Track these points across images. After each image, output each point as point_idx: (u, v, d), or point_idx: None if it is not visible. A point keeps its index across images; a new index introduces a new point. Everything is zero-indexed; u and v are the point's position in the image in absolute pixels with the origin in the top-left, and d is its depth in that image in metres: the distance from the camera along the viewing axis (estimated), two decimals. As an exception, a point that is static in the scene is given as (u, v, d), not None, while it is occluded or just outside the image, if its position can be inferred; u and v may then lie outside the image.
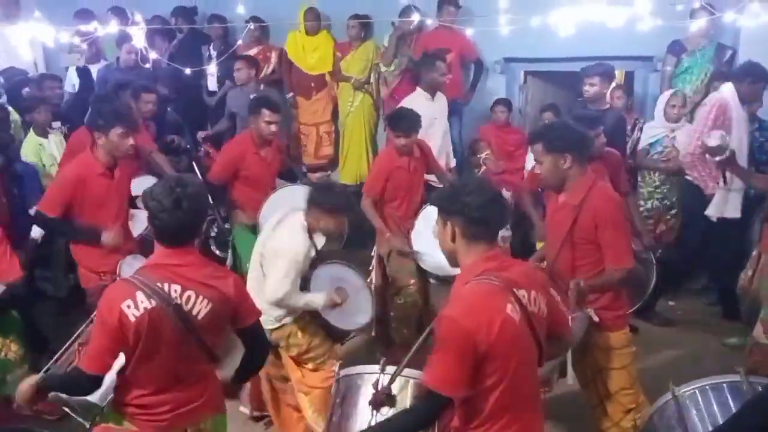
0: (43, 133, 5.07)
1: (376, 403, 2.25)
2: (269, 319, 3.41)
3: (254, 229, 4.48)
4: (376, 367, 2.39)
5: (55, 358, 2.81)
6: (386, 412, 2.24)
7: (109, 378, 2.32)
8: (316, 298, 3.44)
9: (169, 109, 6.11)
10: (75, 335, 2.84)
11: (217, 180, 4.70)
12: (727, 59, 5.60)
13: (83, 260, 3.92)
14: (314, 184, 4.29)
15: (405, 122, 4.31)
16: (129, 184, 4.04)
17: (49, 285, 4.89)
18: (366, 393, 2.34)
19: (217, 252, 5.51)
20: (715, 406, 2.44)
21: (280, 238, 3.40)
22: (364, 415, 2.32)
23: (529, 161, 5.55)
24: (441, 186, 2.22)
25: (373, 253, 4.55)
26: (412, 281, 4.38)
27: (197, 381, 2.40)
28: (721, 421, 2.29)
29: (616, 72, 6.40)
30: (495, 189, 2.19)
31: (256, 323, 2.51)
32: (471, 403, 2.02)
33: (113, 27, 6.05)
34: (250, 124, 4.72)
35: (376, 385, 2.30)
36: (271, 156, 4.78)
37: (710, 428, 2.32)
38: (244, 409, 3.91)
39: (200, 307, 2.28)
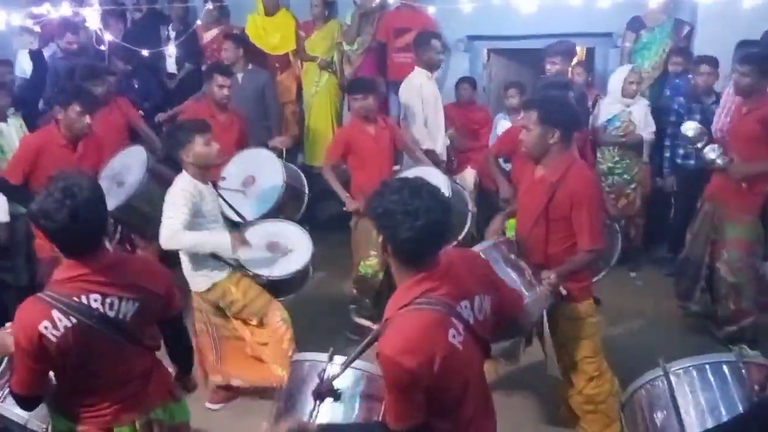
0: (2, 117, 4.94)
1: (319, 395, 2.19)
2: (198, 283, 3.50)
3: None
4: (325, 356, 2.31)
5: None
6: (330, 402, 2.19)
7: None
8: (212, 238, 3.42)
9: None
10: None
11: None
12: (685, 34, 5.69)
13: (37, 229, 3.90)
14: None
15: (361, 84, 4.61)
16: (97, 158, 4.07)
17: (10, 275, 4.79)
18: (311, 382, 2.27)
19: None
20: (713, 388, 2.28)
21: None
22: (307, 404, 2.24)
23: (493, 138, 5.62)
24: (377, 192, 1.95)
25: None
26: (373, 253, 4.43)
27: (139, 375, 2.34)
28: (720, 405, 2.20)
29: (578, 49, 6.46)
30: (435, 209, 1.89)
31: (177, 316, 2.49)
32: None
33: (66, 9, 5.89)
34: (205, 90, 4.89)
35: (321, 375, 2.24)
36: (229, 122, 4.81)
37: (705, 412, 2.21)
38: (211, 406, 3.91)
39: (126, 310, 2.20)
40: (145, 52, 5.53)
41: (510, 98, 5.61)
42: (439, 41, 5.19)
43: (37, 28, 6.07)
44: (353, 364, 2.24)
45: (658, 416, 2.31)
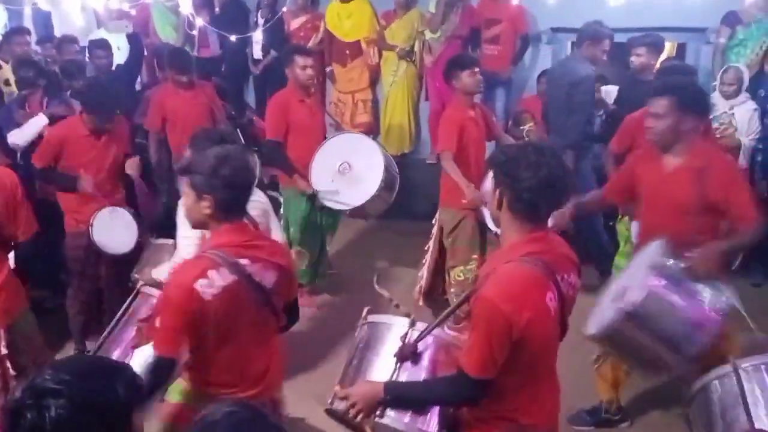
0: None
1: (402, 357, 2.19)
2: None
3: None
4: (406, 321, 2.29)
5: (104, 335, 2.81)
6: (408, 367, 2.19)
7: None
8: None
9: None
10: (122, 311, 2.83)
11: (275, 136, 4.64)
12: (784, 32, 5.41)
13: (66, 206, 4.11)
14: None
15: (468, 58, 4.57)
16: (120, 147, 4.14)
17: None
18: (391, 344, 2.25)
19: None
20: None
21: None
22: (385, 364, 2.24)
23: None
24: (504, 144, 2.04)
25: (434, 221, 4.51)
26: (474, 257, 4.30)
27: (270, 355, 2.42)
28: None
29: (668, 44, 6.23)
30: (557, 167, 1.96)
31: (295, 299, 2.57)
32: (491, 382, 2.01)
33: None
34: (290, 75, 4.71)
35: (404, 338, 2.23)
36: (316, 106, 4.82)
37: None
38: None
39: (269, 278, 2.31)
40: (233, 38, 5.67)
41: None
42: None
43: (134, 12, 6.36)
44: (435, 332, 2.25)
45: (728, 411, 2.29)
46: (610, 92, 5.08)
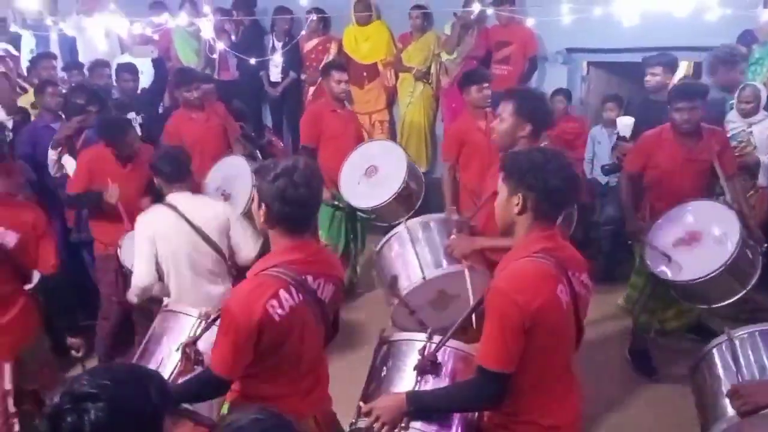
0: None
1: (422, 369, 2.22)
2: None
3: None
4: (423, 335, 2.34)
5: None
6: (429, 380, 2.22)
7: None
8: None
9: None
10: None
11: (308, 142, 4.94)
12: (801, 51, 5.39)
13: (96, 233, 4.25)
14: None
15: (481, 74, 4.66)
16: (146, 172, 4.07)
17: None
18: (411, 359, 2.29)
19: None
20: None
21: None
22: (408, 380, 2.27)
23: (589, 150, 5.55)
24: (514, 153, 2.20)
25: None
26: None
27: (320, 363, 2.42)
28: None
29: (684, 63, 6.25)
30: (570, 166, 2.09)
31: (338, 311, 2.52)
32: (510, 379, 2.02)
33: (183, 19, 6.31)
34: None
35: (422, 351, 2.26)
36: (349, 116, 5.07)
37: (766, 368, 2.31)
38: None
39: (328, 292, 2.29)
40: (252, 61, 5.77)
41: (608, 111, 5.49)
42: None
43: (156, 37, 6.52)
44: (450, 344, 2.29)
45: (726, 376, 2.42)
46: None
